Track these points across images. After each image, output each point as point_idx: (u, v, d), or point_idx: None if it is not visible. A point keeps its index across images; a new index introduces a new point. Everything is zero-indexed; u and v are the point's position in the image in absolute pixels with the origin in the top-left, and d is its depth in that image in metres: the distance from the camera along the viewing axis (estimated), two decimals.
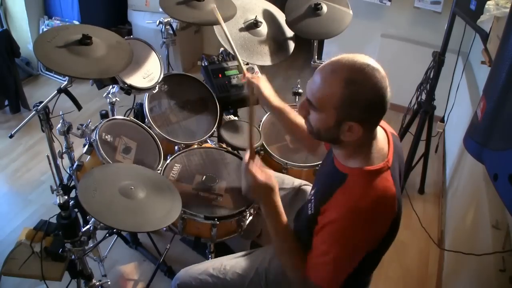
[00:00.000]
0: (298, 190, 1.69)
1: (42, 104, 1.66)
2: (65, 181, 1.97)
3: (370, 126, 1.05)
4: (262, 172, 1.19)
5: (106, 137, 1.73)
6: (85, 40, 1.56)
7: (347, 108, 0.99)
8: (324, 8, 2.16)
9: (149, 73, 1.92)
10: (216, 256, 1.55)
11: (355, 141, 1.06)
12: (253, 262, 1.42)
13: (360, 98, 0.98)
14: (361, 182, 1.04)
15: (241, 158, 1.84)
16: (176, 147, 1.91)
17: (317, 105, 1.03)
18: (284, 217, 1.20)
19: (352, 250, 1.06)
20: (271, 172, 1.25)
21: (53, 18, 3.50)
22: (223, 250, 1.91)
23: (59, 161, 1.87)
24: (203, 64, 2.26)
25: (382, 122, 1.15)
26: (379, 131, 1.13)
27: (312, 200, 1.19)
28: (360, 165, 1.06)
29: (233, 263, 1.43)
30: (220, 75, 2.20)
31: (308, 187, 1.72)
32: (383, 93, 0.99)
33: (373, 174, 1.05)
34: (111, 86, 1.90)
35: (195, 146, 1.93)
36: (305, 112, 1.08)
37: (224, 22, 1.96)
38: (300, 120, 1.44)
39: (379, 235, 1.08)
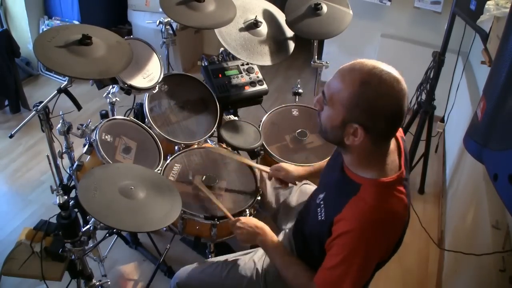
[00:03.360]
0: (299, 190, 1.69)
1: (42, 104, 1.66)
2: (65, 181, 1.97)
3: (377, 136, 1.02)
4: (247, 223, 1.33)
5: (106, 137, 1.73)
6: (85, 40, 1.56)
7: (354, 108, 0.98)
8: (324, 8, 2.16)
9: (149, 73, 1.92)
10: (216, 256, 1.55)
11: (363, 150, 1.05)
12: (252, 262, 1.42)
13: (368, 101, 0.97)
14: (375, 194, 1.04)
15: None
16: (176, 147, 1.91)
17: (328, 99, 1.03)
18: (281, 248, 1.28)
19: (365, 262, 1.05)
20: (253, 220, 1.36)
21: (53, 18, 3.50)
22: (223, 250, 1.91)
23: (59, 161, 1.87)
24: (203, 64, 2.26)
25: None
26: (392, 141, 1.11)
27: (322, 206, 1.18)
28: (374, 177, 1.06)
29: (232, 262, 1.43)
30: (220, 75, 2.20)
31: (309, 186, 1.72)
32: (396, 105, 0.97)
33: (387, 187, 1.05)
34: (111, 86, 1.90)
35: (195, 146, 1.93)
36: (319, 106, 1.08)
37: (225, 25, 1.96)
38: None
39: (391, 246, 1.10)
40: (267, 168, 1.65)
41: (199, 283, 1.41)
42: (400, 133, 1.18)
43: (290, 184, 1.64)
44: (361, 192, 1.06)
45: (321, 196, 1.22)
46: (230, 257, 1.47)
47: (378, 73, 0.97)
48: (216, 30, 2.03)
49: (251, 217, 1.40)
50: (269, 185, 1.73)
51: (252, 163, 1.76)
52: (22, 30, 3.47)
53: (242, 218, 1.38)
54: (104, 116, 1.94)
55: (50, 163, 1.44)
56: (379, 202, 1.03)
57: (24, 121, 1.66)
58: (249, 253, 1.48)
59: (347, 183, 1.11)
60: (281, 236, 1.49)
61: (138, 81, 1.86)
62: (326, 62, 2.32)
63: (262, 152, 1.98)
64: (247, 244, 1.36)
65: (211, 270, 1.42)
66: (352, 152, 1.08)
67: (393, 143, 1.12)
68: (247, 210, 1.62)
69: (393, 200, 1.04)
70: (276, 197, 1.70)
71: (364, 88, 0.97)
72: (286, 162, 1.89)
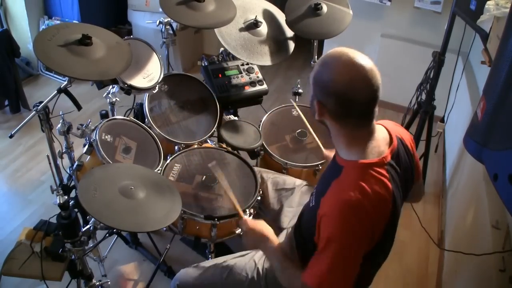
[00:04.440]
0: (300, 191, 1.69)
1: (42, 104, 1.66)
2: (65, 181, 1.97)
3: (335, 116, 1.07)
4: (255, 228, 1.30)
5: (106, 137, 1.73)
6: (85, 40, 1.56)
7: (315, 86, 1.07)
8: (324, 8, 2.16)
9: (149, 73, 1.92)
10: (216, 256, 1.55)
11: (335, 130, 1.10)
12: (253, 262, 1.42)
13: (322, 79, 1.04)
14: (354, 174, 1.05)
15: (241, 158, 1.84)
16: (176, 147, 1.91)
17: (309, 77, 1.11)
18: (279, 252, 1.25)
19: (344, 248, 1.03)
20: (261, 225, 1.33)
21: (53, 18, 3.50)
22: (223, 250, 1.91)
23: (59, 161, 1.87)
24: (203, 64, 2.26)
25: (389, 125, 1.17)
26: (381, 131, 1.13)
27: (314, 193, 1.20)
28: (355, 158, 1.07)
29: (233, 262, 1.43)
30: (220, 75, 2.20)
31: (310, 188, 1.72)
32: (347, 86, 1.01)
33: (367, 167, 1.05)
34: (111, 86, 1.90)
35: (195, 146, 1.93)
36: None
37: (225, 24, 1.96)
38: None
39: (376, 232, 1.06)
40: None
41: (200, 285, 1.41)
42: (397, 133, 1.17)
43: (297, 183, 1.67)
44: (342, 174, 1.07)
45: (315, 186, 1.24)
46: (230, 257, 1.47)
47: (339, 56, 1.02)
48: (216, 30, 2.03)
49: (260, 220, 1.36)
50: (270, 187, 1.74)
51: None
52: (22, 30, 3.47)
53: (249, 222, 1.34)
54: (104, 116, 1.94)
55: (50, 163, 1.44)
56: (356, 182, 1.02)
57: (24, 121, 1.66)
58: (249, 252, 1.48)
59: (334, 167, 1.13)
60: (282, 236, 1.49)
61: (138, 81, 1.86)
62: None
63: (262, 152, 1.98)
64: (250, 249, 1.37)
65: (212, 271, 1.42)
66: (330, 132, 1.13)
67: (385, 137, 1.13)
68: (247, 210, 1.62)
69: (372, 181, 1.03)
70: (277, 198, 1.70)
71: (322, 67, 1.04)
72: (286, 162, 1.89)
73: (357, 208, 1.01)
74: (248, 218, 1.39)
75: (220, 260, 1.46)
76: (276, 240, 1.30)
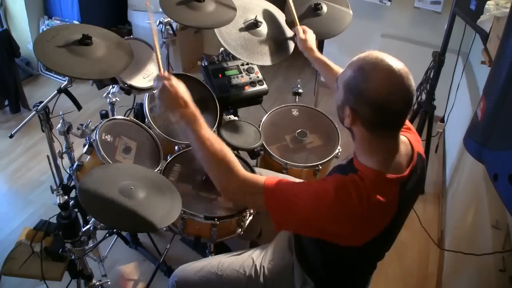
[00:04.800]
0: None
1: (42, 104, 1.66)
2: (65, 181, 1.97)
3: (367, 123, 1.02)
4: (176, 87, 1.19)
5: (106, 137, 1.73)
6: (85, 40, 1.56)
7: (348, 91, 1.02)
8: (324, 8, 2.16)
9: (149, 73, 1.92)
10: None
11: (362, 137, 1.06)
12: (251, 260, 1.42)
13: (357, 85, 1.00)
14: (369, 183, 1.03)
15: (241, 158, 1.84)
16: (176, 147, 1.91)
17: (337, 80, 1.08)
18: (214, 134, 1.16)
19: (318, 212, 1.03)
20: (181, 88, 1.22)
21: (53, 18, 3.50)
22: (223, 250, 1.90)
23: (59, 161, 1.87)
24: (203, 64, 2.26)
25: (412, 139, 1.15)
26: (405, 146, 1.11)
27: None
28: (373, 167, 1.05)
29: (231, 260, 1.43)
30: (220, 75, 2.20)
31: None
32: (384, 94, 0.97)
33: (382, 181, 1.04)
34: (111, 86, 1.90)
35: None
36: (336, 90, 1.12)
37: (225, 24, 1.96)
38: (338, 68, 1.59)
39: (359, 234, 1.06)
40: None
41: (198, 281, 1.41)
42: (419, 148, 1.17)
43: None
44: (359, 174, 1.06)
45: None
46: (228, 255, 1.47)
47: (376, 61, 0.99)
48: (216, 30, 2.03)
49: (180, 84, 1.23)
50: None
51: None
52: (22, 30, 3.47)
53: (174, 80, 1.20)
54: (104, 116, 1.94)
55: (50, 163, 1.44)
56: (371, 191, 1.01)
57: (24, 121, 1.66)
58: (247, 251, 1.49)
59: (347, 166, 1.12)
60: (282, 233, 1.50)
61: (138, 81, 1.86)
62: None
63: (262, 152, 1.98)
64: (165, 110, 1.20)
65: (209, 268, 1.42)
66: (355, 138, 1.09)
67: (407, 152, 1.11)
68: (247, 210, 1.62)
69: (384, 196, 1.02)
70: None
71: (358, 73, 1.00)
72: (286, 162, 1.89)
73: (355, 209, 1.01)
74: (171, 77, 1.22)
75: (218, 257, 1.47)
76: (202, 119, 1.18)
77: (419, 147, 1.18)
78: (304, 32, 1.84)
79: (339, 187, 1.02)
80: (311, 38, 1.82)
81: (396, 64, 0.99)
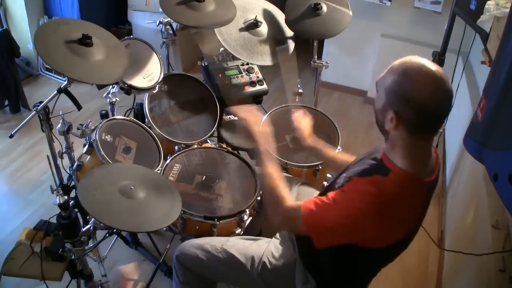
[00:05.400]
0: (297, 190, 1.69)
1: (42, 104, 1.66)
2: (65, 181, 1.97)
3: (410, 127, 1.05)
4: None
5: (106, 137, 1.73)
6: (85, 40, 1.56)
7: (392, 95, 1.04)
8: (324, 8, 2.16)
9: (149, 73, 1.92)
10: None
11: (400, 140, 1.07)
12: (249, 249, 1.43)
13: (402, 90, 1.01)
14: (400, 183, 1.06)
15: (241, 158, 1.84)
16: (176, 147, 1.91)
17: (378, 85, 1.09)
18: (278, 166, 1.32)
19: (351, 223, 1.07)
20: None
21: (53, 18, 3.50)
22: None
23: (59, 161, 1.87)
24: (203, 64, 2.26)
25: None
26: (433, 151, 1.15)
27: (343, 176, 1.20)
28: (406, 168, 1.08)
29: (230, 244, 1.44)
30: (220, 75, 2.20)
31: (307, 188, 1.72)
32: (429, 100, 1.00)
33: (414, 183, 1.07)
34: (111, 86, 1.90)
35: (195, 146, 1.93)
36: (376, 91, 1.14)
37: (225, 24, 1.96)
38: (332, 153, 1.58)
39: (387, 237, 1.10)
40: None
41: (195, 257, 1.43)
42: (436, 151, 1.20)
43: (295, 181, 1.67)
44: (389, 177, 1.07)
45: (344, 174, 1.23)
46: (229, 238, 1.49)
47: (418, 66, 1.02)
48: (216, 30, 2.03)
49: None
50: None
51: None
52: (22, 30, 3.47)
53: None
54: (104, 116, 1.94)
55: (50, 163, 1.44)
56: (401, 193, 1.05)
57: (24, 121, 1.66)
58: (248, 239, 1.50)
59: (378, 164, 1.13)
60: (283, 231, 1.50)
61: (138, 81, 1.86)
62: (326, 62, 2.32)
63: None
64: (257, 140, 1.40)
65: (208, 247, 1.43)
66: (392, 140, 1.10)
67: (435, 156, 1.15)
68: (247, 210, 1.62)
69: (414, 198, 1.07)
70: None
71: (402, 78, 1.02)
72: (286, 162, 1.89)
73: (386, 211, 1.04)
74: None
75: (219, 239, 1.48)
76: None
77: (435, 150, 1.21)
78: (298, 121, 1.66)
79: (377, 192, 1.04)
80: (306, 126, 1.66)
81: (437, 68, 1.02)
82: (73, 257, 1.43)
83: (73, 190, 2.00)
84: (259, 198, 1.69)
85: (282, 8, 2.26)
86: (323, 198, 1.12)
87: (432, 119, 1.04)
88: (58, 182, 1.90)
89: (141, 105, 2.00)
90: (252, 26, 2.13)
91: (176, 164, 1.76)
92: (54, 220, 1.41)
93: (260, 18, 2.16)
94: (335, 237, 1.11)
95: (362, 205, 1.04)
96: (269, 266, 1.38)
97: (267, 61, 2.09)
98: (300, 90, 2.28)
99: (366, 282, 1.35)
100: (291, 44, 2.23)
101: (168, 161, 1.76)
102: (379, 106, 1.09)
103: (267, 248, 1.42)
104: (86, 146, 1.72)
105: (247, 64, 2.27)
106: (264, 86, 2.26)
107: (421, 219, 1.17)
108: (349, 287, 1.33)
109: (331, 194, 1.11)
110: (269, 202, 1.26)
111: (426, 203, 1.14)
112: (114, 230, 1.91)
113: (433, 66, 1.02)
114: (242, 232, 1.66)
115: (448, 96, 1.02)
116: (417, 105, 1.00)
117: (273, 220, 1.25)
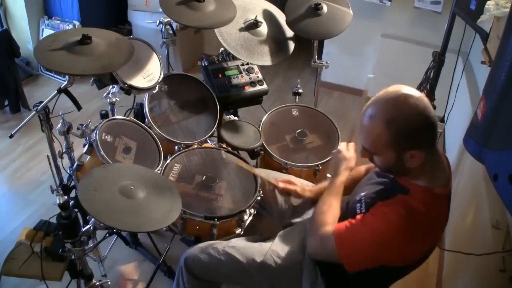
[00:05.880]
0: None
1: (42, 104, 1.66)
2: (65, 181, 1.97)
3: (429, 147, 1.09)
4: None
5: (106, 137, 1.73)
6: (85, 40, 1.56)
7: (399, 143, 1.06)
8: (324, 8, 2.16)
9: (149, 73, 1.92)
10: None
11: (420, 164, 1.10)
12: (252, 250, 1.43)
13: (406, 131, 1.04)
14: (424, 199, 1.09)
15: (241, 158, 1.84)
16: (176, 147, 1.91)
17: (373, 150, 1.11)
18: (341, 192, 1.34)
19: (382, 245, 1.09)
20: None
21: (53, 18, 3.50)
22: None
23: (59, 161, 1.87)
24: (203, 64, 2.26)
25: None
26: (443, 157, 1.19)
27: (363, 201, 1.22)
28: (423, 184, 1.11)
29: (232, 245, 1.45)
30: (220, 75, 2.20)
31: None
32: (425, 114, 1.04)
33: (434, 197, 1.10)
34: (111, 86, 1.90)
35: (195, 146, 1.93)
36: (369, 157, 1.16)
37: (225, 24, 1.96)
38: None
39: (416, 253, 1.14)
40: (275, 182, 1.61)
41: (202, 259, 1.44)
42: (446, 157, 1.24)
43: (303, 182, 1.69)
44: (410, 195, 1.11)
45: (363, 193, 1.25)
46: (236, 239, 1.50)
47: (394, 104, 1.05)
48: (216, 30, 2.03)
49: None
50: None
51: (263, 175, 1.69)
52: (22, 30, 3.47)
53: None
54: (104, 116, 1.93)
55: (50, 163, 1.44)
56: (427, 207, 1.08)
57: (24, 121, 1.66)
58: (254, 240, 1.50)
59: (394, 186, 1.17)
60: (289, 230, 1.51)
61: (138, 81, 1.86)
62: (326, 62, 2.32)
63: (262, 152, 1.98)
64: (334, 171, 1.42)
65: (211, 250, 1.44)
66: (407, 167, 1.12)
67: (445, 159, 1.19)
68: (247, 210, 1.62)
69: (437, 214, 1.11)
70: (285, 198, 1.69)
71: (393, 126, 1.05)
72: (286, 162, 1.89)
73: (415, 230, 1.07)
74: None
75: (221, 242, 1.49)
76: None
77: (446, 158, 1.24)
78: (290, 184, 1.59)
79: (406, 212, 1.07)
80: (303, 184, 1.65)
81: (400, 88, 1.07)
82: (73, 257, 1.43)
83: (73, 190, 2.00)
84: (259, 198, 1.69)
85: (282, 8, 2.26)
86: (354, 222, 1.15)
87: (434, 126, 1.07)
88: (58, 182, 1.90)
89: (141, 105, 2.00)
90: (252, 26, 2.13)
91: (176, 164, 1.76)
92: (54, 220, 1.41)
93: (260, 18, 2.16)
94: (367, 261, 1.13)
95: (392, 227, 1.07)
96: (273, 265, 1.37)
97: (267, 61, 2.09)
98: (300, 90, 2.28)
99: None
100: (291, 44, 2.23)
101: (168, 161, 1.76)
102: (391, 161, 1.10)
103: (271, 248, 1.42)
104: (86, 146, 1.71)
105: (247, 64, 2.27)
106: (264, 86, 2.26)
107: (443, 230, 1.21)
108: None
109: (360, 219, 1.14)
110: (311, 226, 1.28)
111: (447, 214, 1.17)
112: (114, 230, 1.90)
113: (398, 87, 1.07)
114: (242, 232, 1.66)
115: (419, 103, 1.06)
116: (423, 126, 1.05)
117: (310, 245, 1.27)
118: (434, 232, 1.15)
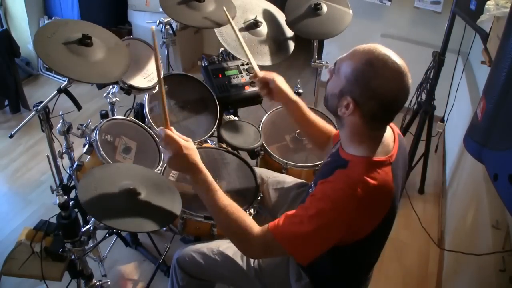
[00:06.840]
0: (300, 189, 1.69)
1: (42, 104, 1.66)
2: (65, 181, 1.97)
3: (368, 116, 1.06)
4: (182, 138, 1.21)
5: (106, 137, 1.73)
6: (85, 40, 1.56)
7: (353, 82, 1.03)
8: (324, 8, 2.16)
9: (149, 73, 1.92)
10: None
11: (354, 127, 1.08)
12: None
13: (366, 79, 1.01)
14: (362, 169, 1.06)
15: (241, 158, 1.84)
16: None
17: (336, 69, 1.08)
18: (217, 186, 1.17)
19: (327, 228, 1.05)
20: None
21: (53, 18, 3.48)
22: None
23: (59, 161, 1.87)
24: (203, 64, 2.26)
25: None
26: (388, 131, 1.16)
27: (312, 184, 1.22)
28: (362, 154, 1.09)
29: (226, 245, 1.45)
30: (220, 75, 2.20)
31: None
32: (392, 92, 1.02)
33: (374, 165, 1.07)
34: (111, 86, 1.91)
35: (195, 146, 1.93)
36: (329, 75, 1.13)
37: (225, 24, 1.96)
38: (312, 116, 1.51)
39: (366, 225, 1.09)
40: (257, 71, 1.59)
41: (192, 261, 1.43)
42: (397, 130, 1.21)
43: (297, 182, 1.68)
44: (349, 167, 1.08)
45: (317, 174, 1.25)
46: (227, 241, 1.48)
47: (386, 59, 1.01)
48: (216, 30, 2.03)
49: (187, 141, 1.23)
50: (271, 187, 1.73)
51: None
52: (22, 30, 3.47)
53: (171, 135, 1.20)
54: (104, 116, 1.94)
55: (50, 163, 1.44)
56: (364, 178, 1.04)
57: (24, 121, 1.66)
58: None
59: (336, 160, 1.15)
60: None
61: (138, 81, 1.86)
62: (326, 62, 2.32)
63: (262, 152, 1.98)
64: (172, 165, 1.21)
65: (205, 251, 1.44)
66: (345, 127, 1.12)
67: (390, 134, 1.16)
68: (247, 210, 1.62)
69: (378, 180, 1.05)
70: (278, 197, 1.70)
71: (367, 67, 1.01)
72: (286, 162, 1.89)
73: (358, 204, 1.03)
74: (175, 134, 1.22)
75: (216, 242, 1.49)
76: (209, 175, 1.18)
77: (396, 128, 1.21)
78: (267, 80, 1.54)
79: (345, 185, 1.04)
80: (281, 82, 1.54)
81: (401, 62, 1.03)
82: (73, 257, 1.43)
83: (73, 190, 2.00)
84: (259, 198, 1.69)
85: (282, 8, 2.26)
86: (292, 212, 1.10)
87: (392, 112, 1.06)
88: (58, 182, 1.90)
89: (141, 105, 2.00)
90: (252, 26, 2.13)
91: None
92: (54, 220, 1.41)
93: (260, 18, 2.16)
94: (316, 248, 1.08)
95: (334, 204, 1.03)
96: (263, 265, 1.39)
97: (267, 61, 2.09)
98: (300, 90, 2.28)
99: (361, 276, 1.34)
100: (291, 44, 2.23)
101: None
102: (335, 90, 1.08)
103: None
104: (86, 146, 1.72)
105: (247, 64, 2.27)
106: None
107: (396, 196, 1.13)
108: (343, 282, 1.33)
109: (301, 205, 1.10)
110: (236, 240, 1.16)
111: (396, 183, 1.10)
112: (114, 230, 1.91)
113: (398, 60, 1.02)
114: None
115: (407, 91, 1.04)
116: (381, 98, 1.02)
117: (253, 256, 1.23)
118: (381, 199, 1.08)
